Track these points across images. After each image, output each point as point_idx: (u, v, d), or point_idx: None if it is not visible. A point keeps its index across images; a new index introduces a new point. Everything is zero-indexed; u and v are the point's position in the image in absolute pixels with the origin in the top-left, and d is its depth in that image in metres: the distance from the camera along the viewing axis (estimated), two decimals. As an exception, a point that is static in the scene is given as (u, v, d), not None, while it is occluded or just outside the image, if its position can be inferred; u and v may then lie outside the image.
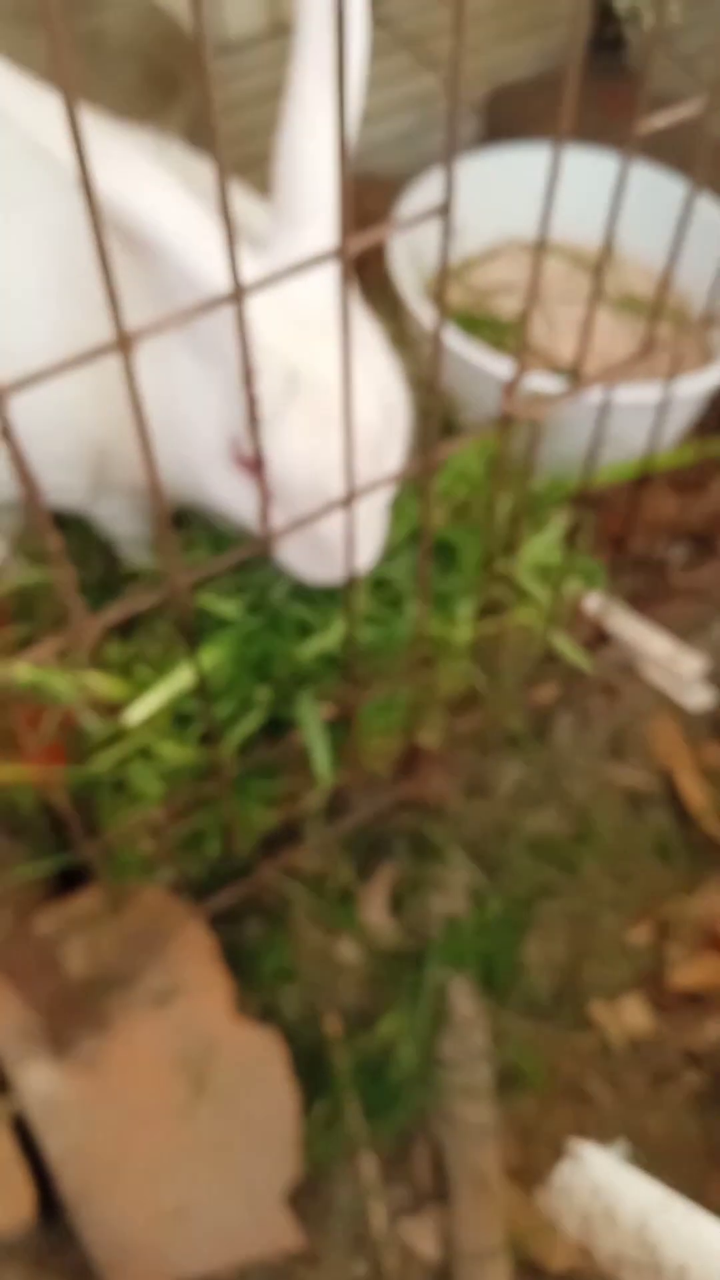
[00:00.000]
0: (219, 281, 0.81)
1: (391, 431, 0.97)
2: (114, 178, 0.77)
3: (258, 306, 0.87)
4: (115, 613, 0.71)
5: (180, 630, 0.84)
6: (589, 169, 1.47)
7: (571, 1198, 1.06)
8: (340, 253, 0.64)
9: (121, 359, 0.59)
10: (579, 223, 1.34)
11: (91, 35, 1.64)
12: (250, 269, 0.87)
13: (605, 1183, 1.05)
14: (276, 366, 0.88)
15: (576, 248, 1.62)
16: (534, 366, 1.50)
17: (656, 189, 1.53)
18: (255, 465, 0.82)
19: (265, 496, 0.82)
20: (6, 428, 0.58)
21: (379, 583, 1.07)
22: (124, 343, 0.59)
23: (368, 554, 0.97)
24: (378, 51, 1.98)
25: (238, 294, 0.63)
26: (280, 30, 1.94)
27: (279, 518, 0.91)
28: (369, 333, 0.98)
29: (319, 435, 0.89)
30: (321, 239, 0.90)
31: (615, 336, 1.56)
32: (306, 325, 0.89)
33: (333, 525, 0.90)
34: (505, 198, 1.56)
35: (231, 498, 0.97)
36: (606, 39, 1.96)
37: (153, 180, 0.79)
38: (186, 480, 0.98)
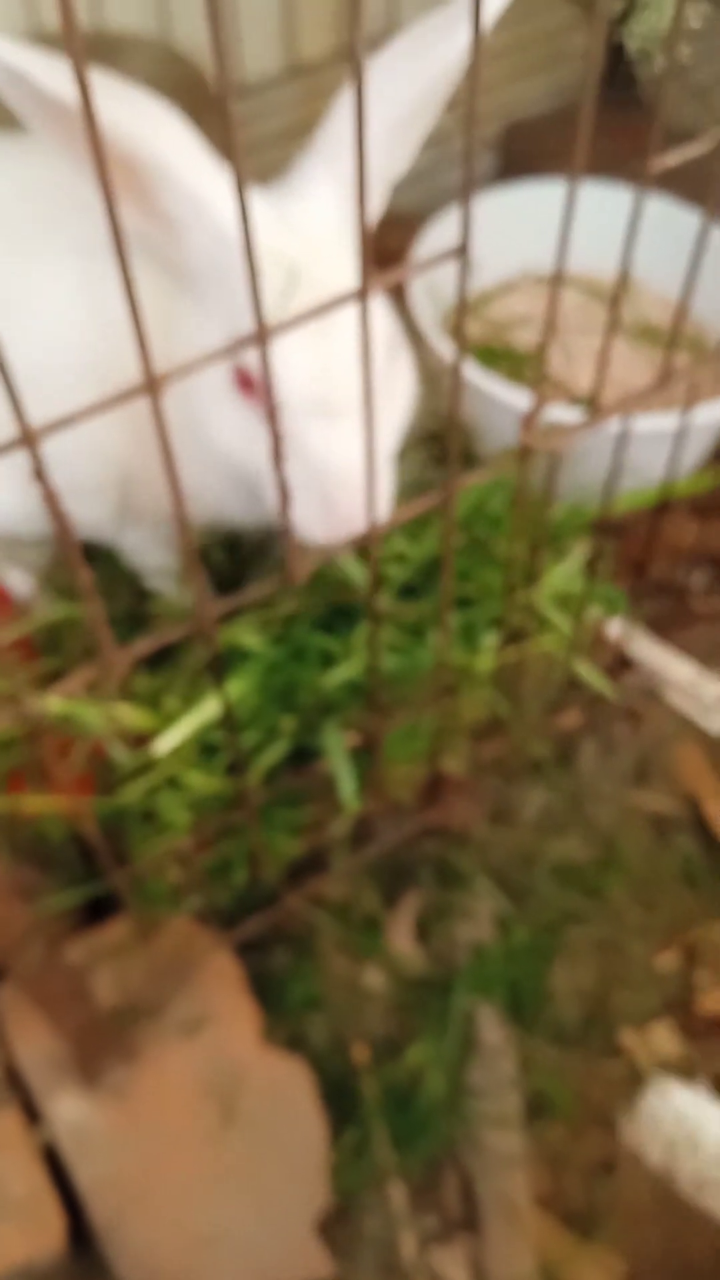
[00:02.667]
0: (219, 212, 0.84)
1: (394, 373, 0.97)
2: (120, 112, 0.80)
3: (257, 220, 0.88)
4: (145, 645, 0.73)
5: (208, 662, 0.86)
6: (603, 201, 1.49)
7: (656, 1125, 1.07)
8: (361, 294, 0.66)
9: (151, 402, 0.61)
10: (594, 254, 1.36)
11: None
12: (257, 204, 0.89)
13: (689, 1112, 1.07)
14: (276, 265, 0.87)
15: (592, 279, 1.64)
16: (552, 397, 1.51)
17: (670, 219, 1.55)
18: (257, 387, 0.83)
19: (273, 419, 0.74)
20: (39, 469, 0.60)
21: (401, 611, 1.08)
22: (153, 385, 0.60)
23: (379, 507, 0.91)
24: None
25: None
26: (298, 72, 1.97)
27: (289, 464, 0.90)
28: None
29: (321, 337, 0.87)
30: (327, 191, 0.93)
31: (632, 365, 1.57)
32: (308, 238, 0.91)
33: (343, 458, 0.88)
34: (521, 232, 1.58)
35: (240, 438, 0.94)
36: (618, 72, 1.99)
37: (159, 115, 0.83)
38: (197, 461, 0.93)
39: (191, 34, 1.80)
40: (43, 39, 1.72)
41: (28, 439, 0.58)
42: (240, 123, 1.83)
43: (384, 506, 0.92)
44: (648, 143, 0.72)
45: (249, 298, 0.62)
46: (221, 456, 0.96)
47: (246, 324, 0.87)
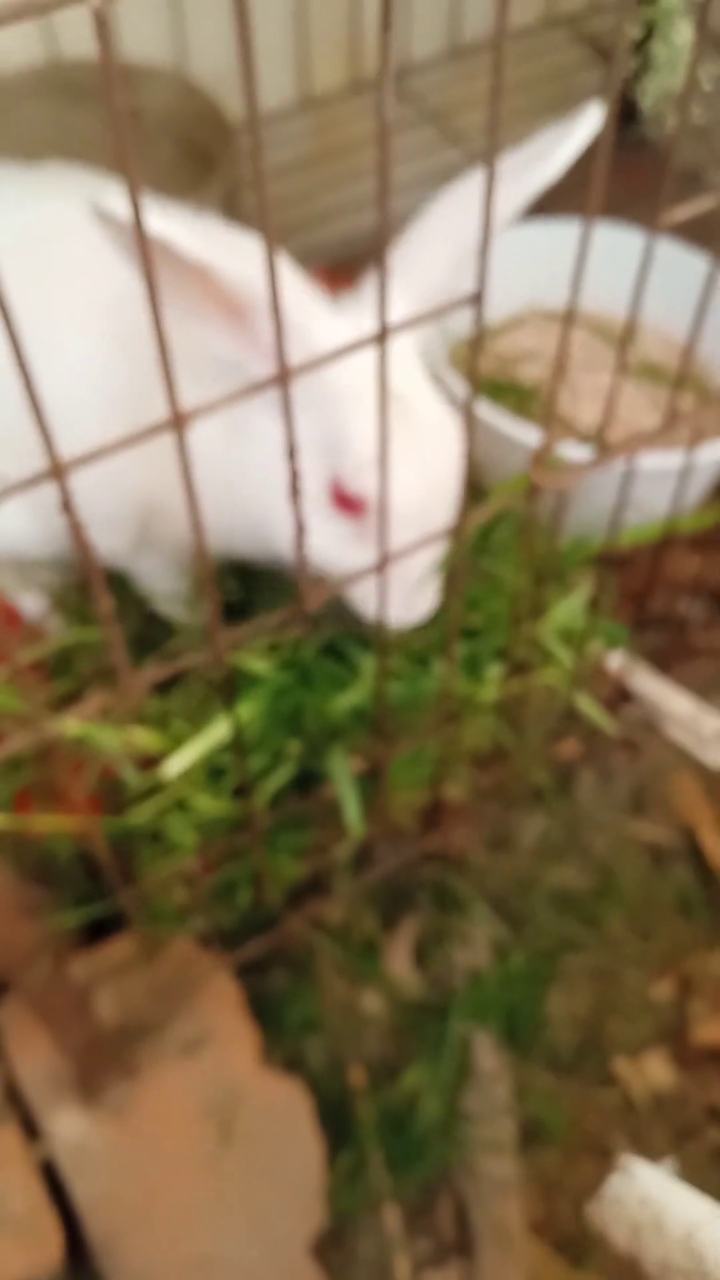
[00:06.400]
0: (315, 335, 0.88)
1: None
2: (205, 243, 0.81)
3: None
4: (161, 671, 0.75)
5: (221, 688, 0.87)
6: (608, 242, 1.52)
7: (621, 1208, 1.08)
8: (379, 337, 0.68)
9: (176, 438, 0.63)
10: (600, 293, 1.38)
11: (129, 113, 1.71)
12: (335, 324, 0.93)
13: (654, 1195, 1.07)
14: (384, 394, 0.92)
15: (598, 317, 1.67)
16: (559, 434, 1.54)
17: (671, 260, 1.58)
18: (352, 504, 0.92)
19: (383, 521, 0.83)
20: (67, 501, 0.62)
21: (408, 638, 1.10)
22: (179, 422, 0.62)
23: (435, 594, 1.03)
24: (402, 126, 2.05)
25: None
26: (310, 104, 2.01)
27: (371, 556, 0.95)
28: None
29: (424, 462, 0.94)
30: (403, 309, 0.96)
31: (635, 402, 1.60)
32: (395, 362, 0.95)
33: (421, 560, 0.97)
34: (529, 269, 1.61)
35: (326, 544, 0.99)
36: (621, 112, 2.03)
37: (244, 244, 0.85)
38: (260, 535, 1.02)
39: (207, 66, 1.84)
40: (59, 66, 1.75)
41: (56, 472, 0.60)
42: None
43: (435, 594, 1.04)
44: (658, 192, 0.75)
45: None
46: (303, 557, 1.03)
47: (343, 442, 0.94)
